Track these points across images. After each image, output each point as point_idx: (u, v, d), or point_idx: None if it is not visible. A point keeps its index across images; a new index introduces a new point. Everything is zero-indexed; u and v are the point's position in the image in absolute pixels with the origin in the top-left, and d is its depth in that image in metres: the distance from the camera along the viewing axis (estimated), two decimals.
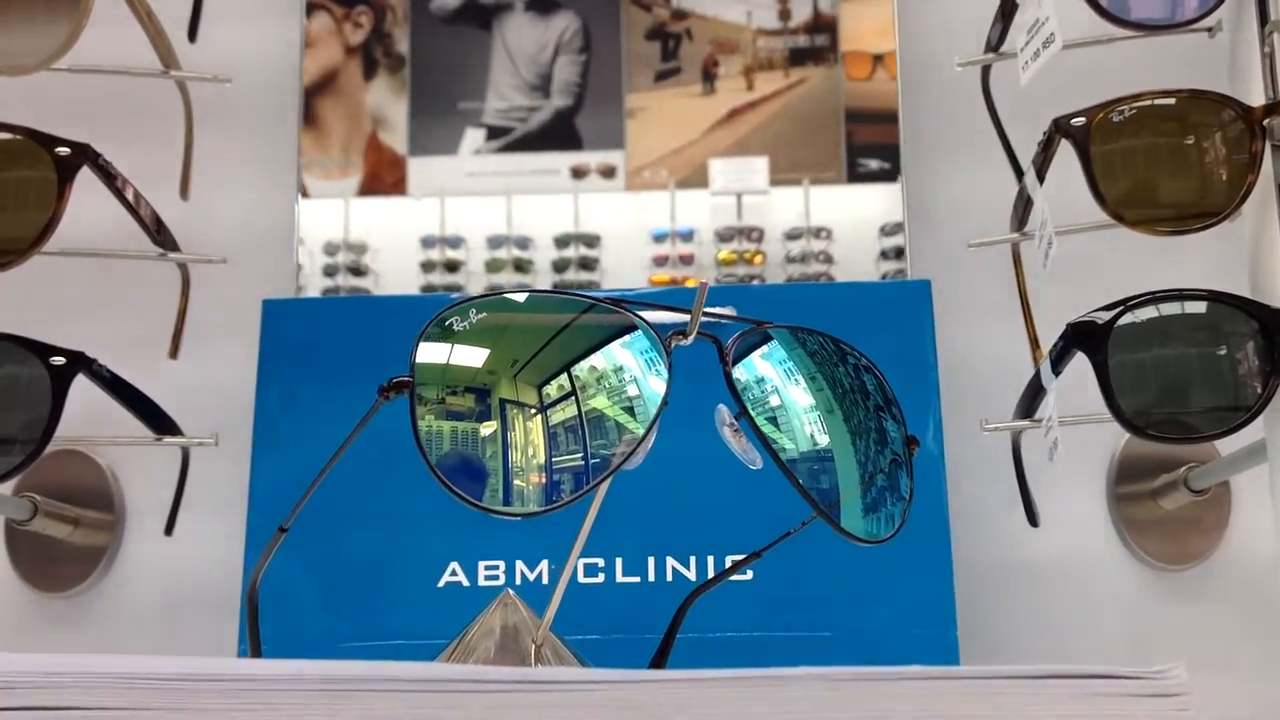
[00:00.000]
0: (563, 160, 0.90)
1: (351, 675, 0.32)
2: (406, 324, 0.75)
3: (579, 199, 0.89)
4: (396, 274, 0.88)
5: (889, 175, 0.88)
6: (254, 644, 0.48)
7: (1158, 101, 0.67)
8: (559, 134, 0.90)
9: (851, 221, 0.88)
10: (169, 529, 0.78)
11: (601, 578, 0.70)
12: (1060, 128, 0.67)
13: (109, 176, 0.68)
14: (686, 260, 0.88)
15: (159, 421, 0.73)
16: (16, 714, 0.32)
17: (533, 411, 0.43)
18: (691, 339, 0.43)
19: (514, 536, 0.72)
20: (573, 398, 0.43)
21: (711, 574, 0.71)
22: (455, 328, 0.42)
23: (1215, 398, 0.66)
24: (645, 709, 0.32)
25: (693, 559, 0.71)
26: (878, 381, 0.49)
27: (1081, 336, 0.66)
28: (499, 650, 0.46)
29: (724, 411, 0.44)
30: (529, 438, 0.42)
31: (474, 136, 0.90)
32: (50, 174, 0.65)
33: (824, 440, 0.46)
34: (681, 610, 0.57)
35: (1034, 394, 0.73)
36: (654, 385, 0.44)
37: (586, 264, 0.88)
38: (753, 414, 0.44)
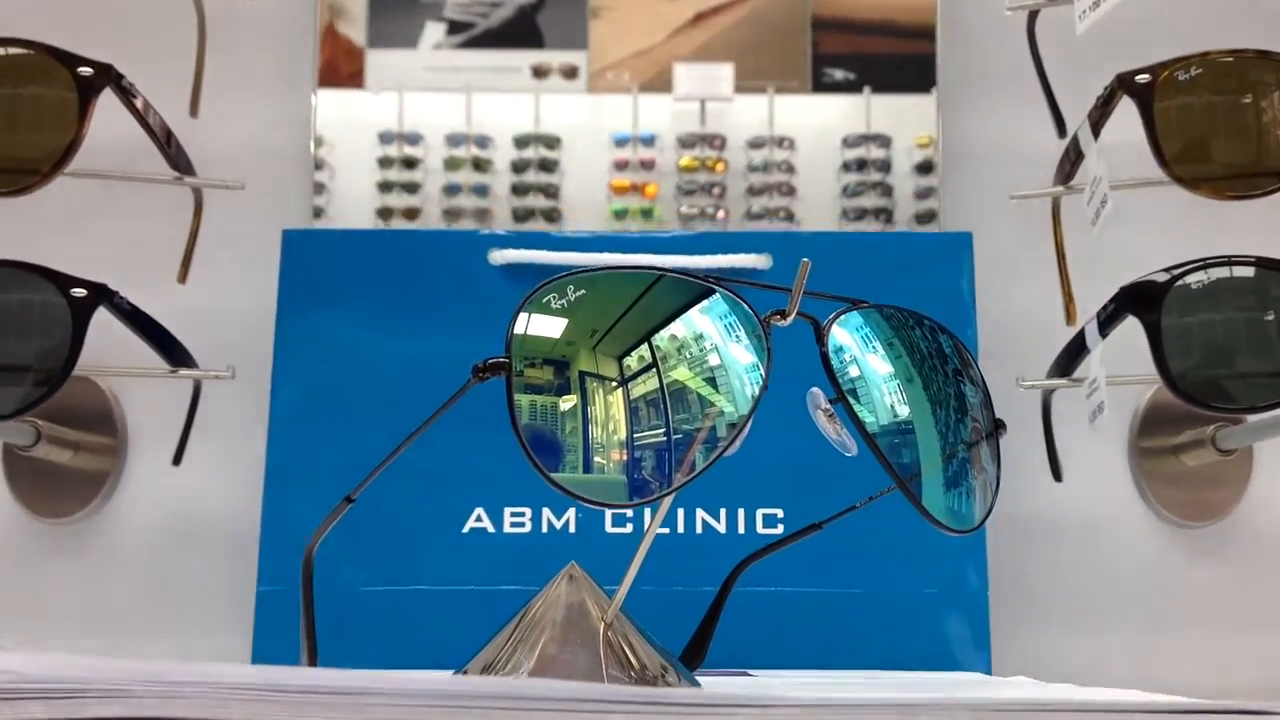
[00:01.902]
0: (524, 59, 0.87)
1: (470, 691, 0.31)
2: (431, 258, 0.73)
3: (540, 99, 0.87)
4: (352, 169, 0.85)
5: (854, 86, 0.87)
6: (308, 614, 0.46)
7: (1226, 60, 0.65)
8: (521, 31, 0.87)
9: (815, 131, 0.86)
10: (177, 459, 0.76)
11: (630, 528, 0.69)
12: (1124, 83, 0.65)
13: (129, 97, 0.65)
14: (647, 165, 0.86)
15: (175, 354, 0.70)
16: None
17: (637, 393, 0.41)
18: (791, 319, 0.41)
19: (540, 483, 0.70)
20: (684, 382, 0.41)
21: (742, 527, 0.70)
22: (554, 304, 0.40)
23: (1269, 366, 0.65)
24: None
25: (723, 511, 0.70)
26: (971, 373, 0.47)
27: (1135, 299, 0.65)
28: (564, 626, 0.45)
29: (818, 395, 0.43)
30: (638, 419, 0.40)
31: (434, 30, 0.87)
32: (71, 94, 0.62)
33: (910, 423, 0.44)
34: (733, 576, 0.56)
35: (1074, 353, 0.72)
36: (749, 365, 0.42)
37: (546, 165, 0.86)
38: (849, 400, 0.42)
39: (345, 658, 0.64)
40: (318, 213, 0.84)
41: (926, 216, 0.85)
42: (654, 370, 0.42)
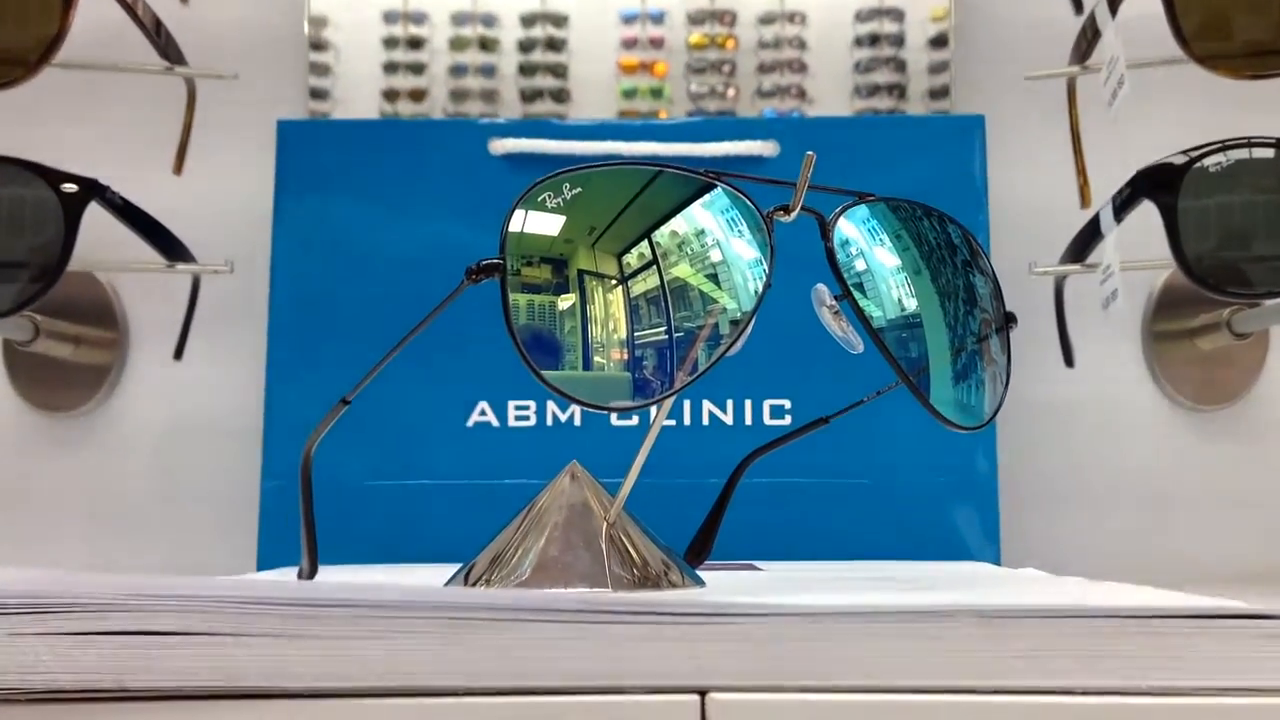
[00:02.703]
0: None
1: (475, 603, 0.30)
2: (430, 148, 0.72)
3: None
4: (357, 50, 0.83)
5: None
6: (307, 518, 0.46)
7: None
8: None
9: (826, 6, 0.84)
10: (178, 354, 0.75)
11: (635, 420, 0.68)
12: None
13: None
14: (656, 44, 0.84)
15: (171, 248, 0.69)
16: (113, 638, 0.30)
17: (637, 291, 0.40)
18: (795, 215, 0.40)
19: None
20: (686, 279, 0.40)
21: (749, 419, 0.69)
22: (550, 203, 0.39)
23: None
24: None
25: (730, 403, 0.69)
26: (981, 263, 0.46)
27: (1151, 182, 0.63)
28: (565, 527, 0.44)
29: (823, 292, 0.41)
30: (639, 318, 0.39)
31: None
32: None
33: (918, 316, 0.43)
34: (739, 471, 0.55)
35: (1088, 239, 0.70)
36: (752, 260, 0.40)
37: (553, 45, 0.84)
38: (855, 296, 0.40)
39: (350, 554, 0.64)
40: (322, 95, 0.82)
41: (940, 92, 0.83)
42: (654, 267, 0.41)
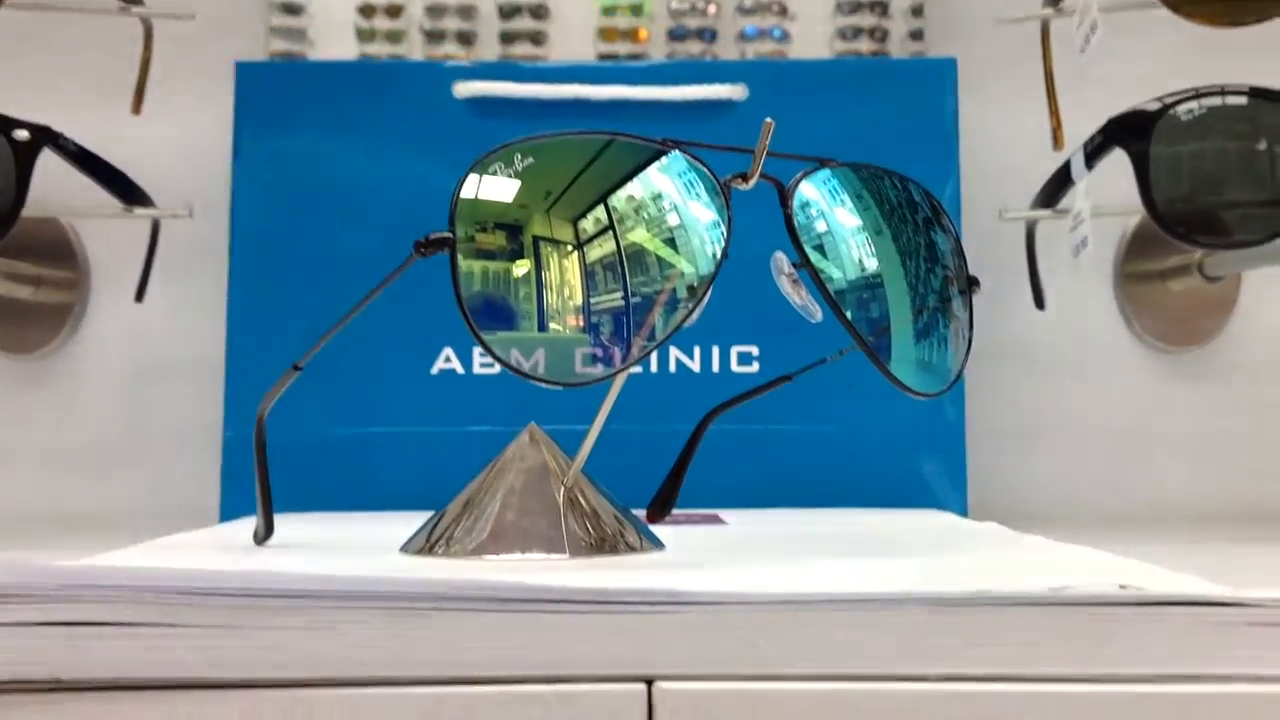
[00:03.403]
0: None
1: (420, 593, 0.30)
2: (392, 91, 0.70)
3: None
4: None
5: None
6: (263, 482, 0.45)
7: None
8: None
9: None
10: (139, 296, 0.74)
11: (600, 369, 0.67)
12: None
13: None
14: None
15: (129, 192, 0.68)
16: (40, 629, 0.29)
17: (592, 259, 0.39)
18: (753, 183, 0.39)
19: None
20: (641, 245, 0.39)
21: (716, 365, 0.69)
22: (499, 173, 0.38)
23: (1260, 196, 0.63)
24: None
25: (697, 349, 0.69)
26: (945, 232, 0.45)
27: (1123, 129, 0.63)
28: (523, 491, 0.44)
29: (782, 260, 0.41)
30: (591, 290, 0.39)
31: None
32: None
33: (879, 277, 0.43)
34: (701, 426, 0.55)
35: (1059, 184, 0.69)
36: (709, 223, 0.40)
37: None
38: (816, 265, 0.40)
39: (312, 502, 0.64)
40: (296, 35, 0.80)
41: (919, 35, 0.81)
42: (610, 233, 0.40)
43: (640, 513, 0.52)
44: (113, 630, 0.29)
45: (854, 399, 0.68)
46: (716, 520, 0.58)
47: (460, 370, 0.68)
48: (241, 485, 0.67)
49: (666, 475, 0.55)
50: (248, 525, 0.56)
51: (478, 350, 0.68)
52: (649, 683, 0.29)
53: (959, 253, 0.45)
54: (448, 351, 0.68)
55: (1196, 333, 0.82)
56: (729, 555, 0.43)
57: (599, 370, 0.39)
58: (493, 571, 0.37)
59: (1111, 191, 0.67)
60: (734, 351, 0.69)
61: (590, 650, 0.29)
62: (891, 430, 0.69)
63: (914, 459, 0.69)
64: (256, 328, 0.68)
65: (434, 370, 0.68)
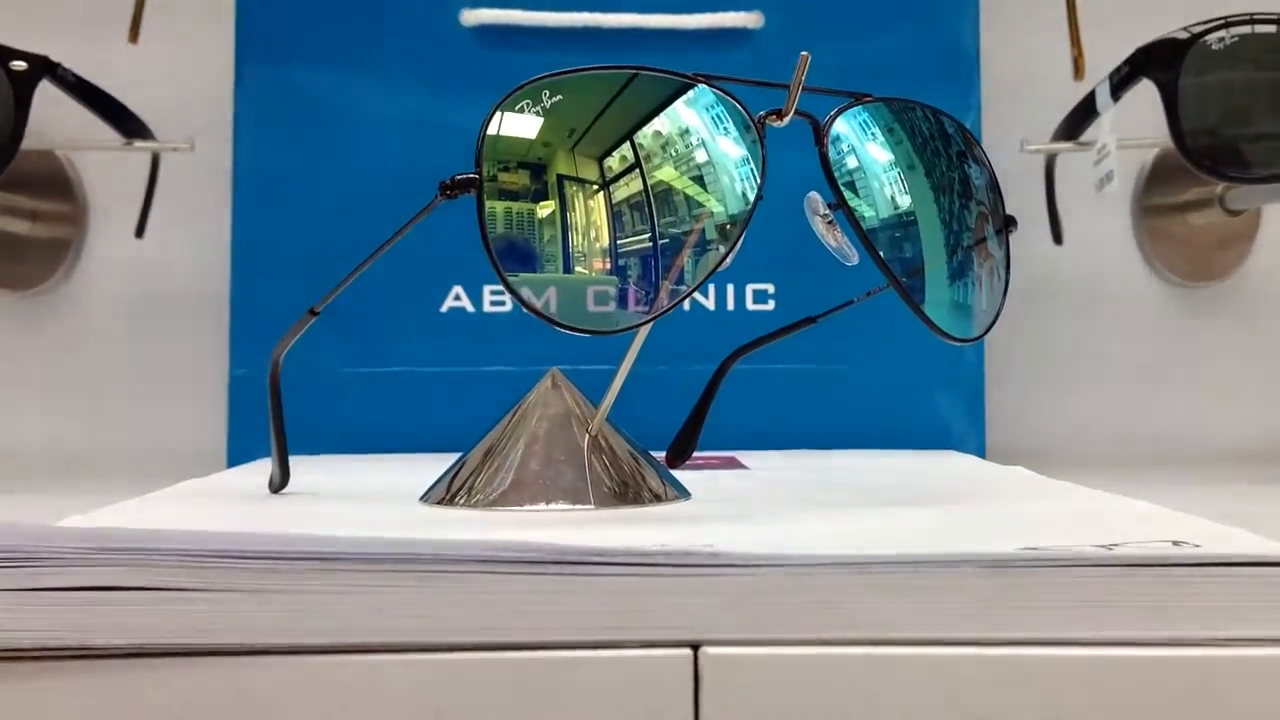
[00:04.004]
0: None
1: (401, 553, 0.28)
2: (399, 18, 0.68)
3: None
4: None
5: None
6: (278, 429, 0.44)
7: None
8: None
9: None
10: (139, 232, 0.72)
11: (612, 306, 0.66)
12: None
13: None
14: None
15: (129, 125, 0.66)
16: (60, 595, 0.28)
17: (623, 202, 0.37)
18: (787, 120, 0.38)
19: None
20: (677, 190, 0.38)
21: (731, 304, 0.67)
22: (525, 111, 0.36)
23: None
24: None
25: (712, 287, 0.67)
26: (981, 168, 0.43)
27: (1151, 61, 0.61)
28: (546, 440, 0.42)
29: (817, 200, 0.39)
30: (619, 232, 0.37)
31: None
32: None
33: (915, 229, 0.41)
34: (721, 370, 0.54)
35: (1082, 116, 0.68)
36: (739, 160, 0.38)
37: None
38: (852, 206, 0.38)
39: (324, 443, 0.63)
40: None
41: None
42: (637, 170, 0.39)
43: (660, 455, 0.51)
44: (143, 595, 0.28)
45: (872, 338, 0.67)
46: (736, 464, 0.57)
47: (470, 309, 0.66)
48: (249, 426, 0.65)
49: (686, 419, 0.54)
50: (259, 470, 0.55)
51: (489, 288, 0.66)
52: (695, 648, 0.28)
53: (995, 189, 0.44)
54: (457, 289, 0.67)
55: (1216, 268, 0.80)
56: (760, 506, 0.42)
57: (631, 316, 0.37)
58: (523, 528, 0.36)
59: (1132, 123, 0.66)
60: (749, 289, 0.67)
61: (633, 614, 0.28)
62: (910, 370, 0.67)
63: (932, 399, 0.68)
64: (262, 263, 0.67)
65: (443, 309, 0.67)
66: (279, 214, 0.67)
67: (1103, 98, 0.64)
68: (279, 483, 0.45)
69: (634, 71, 0.38)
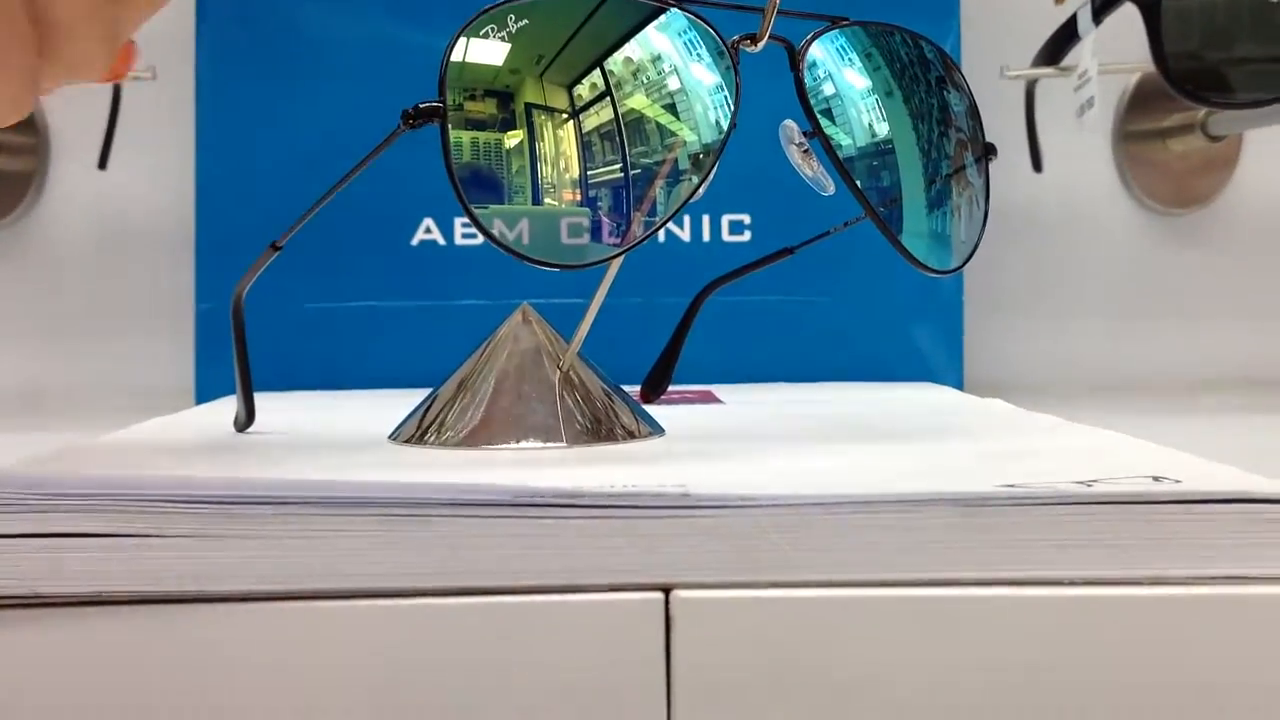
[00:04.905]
0: None
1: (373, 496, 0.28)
2: None
3: None
4: None
5: None
6: (242, 364, 0.43)
7: None
8: None
9: None
10: (102, 163, 0.71)
11: (586, 239, 0.65)
12: None
13: None
14: None
15: None
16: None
17: (593, 131, 0.36)
18: (762, 45, 0.36)
19: None
20: (649, 119, 0.37)
21: (707, 234, 0.66)
22: (490, 36, 0.35)
23: (1274, 54, 0.60)
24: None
25: (687, 218, 0.66)
26: (960, 95, 0.42)
27: None
28: (517, 376, 0.42)
29: (792, 128, 0.38)
30: (590, 162, 0.36)
31: None
32: None
33: (892, 156, 0.40)
34: (696, 303, 0.53)
35: (1063, 40, 0.67)
36: (712, 87, 0.37)
37: None
38: (828, 134, 0.37)
39: (293, 379, 0.62)
40: None
41: None
42: (608, 98, 0.37)
43: (633, 390, 0.50)
44: (95, 541, 0.27)
45: (850, 269, 0.66)
46: (711, 398, 0.56)
47: (442, 241, 0.65)
48: (217, 361, 0.64)
49: (661, 353, 0.53)
50: (225, 408, 0.54)
51: (460, 220, 0.65)
52: (666, 591, 0.28)
53: (975, 116, 0.43)
54: (428, 222, 0.65)
55: (1196, 194, 0.79)
56: (734, 444, 0.41)
57: (602, 249, 0.36)
58: (493, 468, 0.35)
59: (1113, 48, 0.65)
60: (725, 220, 0.66)
61: (602, 557, 0.28)
62: (888, 302, 0.67)
63: (910, 331, 0.67)
64: (227, 195, 0.66)
65: (414, 242, 0.65)
66: (244, 144, 0.65)
67: (1084, 21, 0.63)
68: (244, 422, 0.44)
69: None
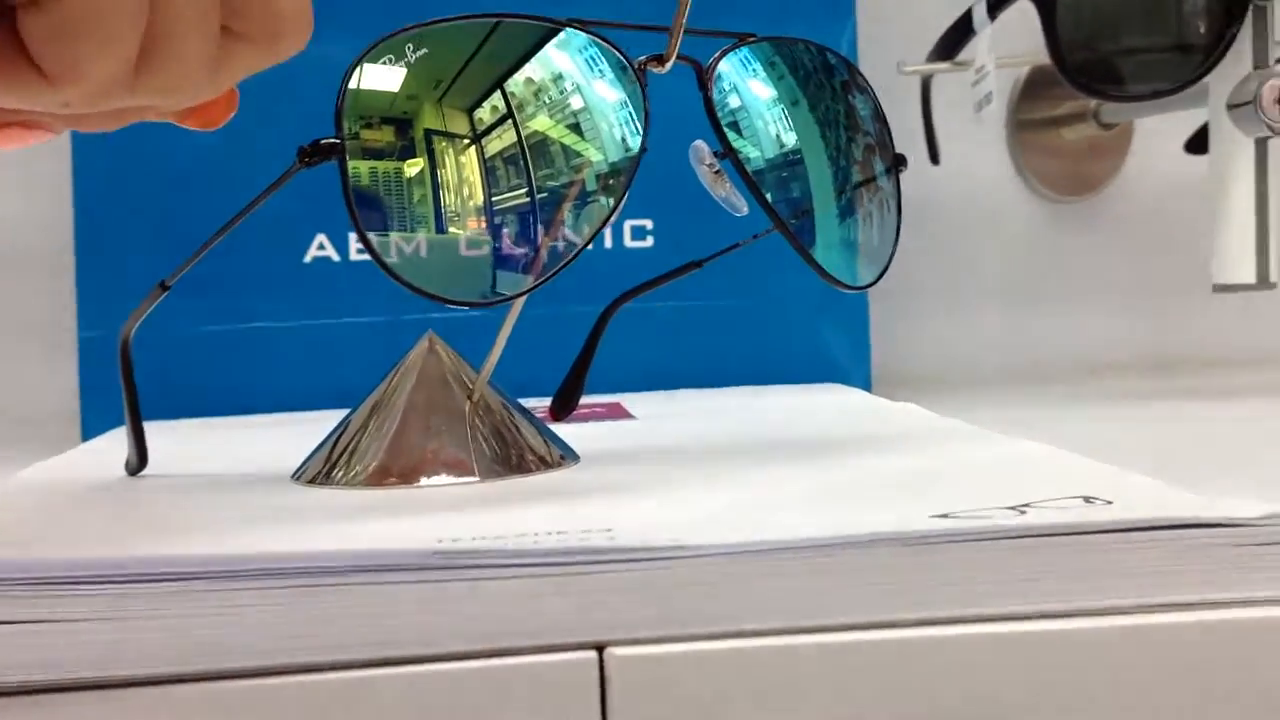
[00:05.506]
0: None
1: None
2: None
3: None
4: None
5: None
6: (132, 405, 0.41)
7: None
8: None
9: None
10: None
11: (486, 250, 0.63)
12: None
13: None
14: None
15: None
16: None
17: (497, 156, 0.35)
18: (669, 66, 0.35)
19: None
20: (549, 141, 0.35)
21: (609, 241, 0.65)
22: (391, 65, 0.33)
23: (1169, 45, 0.60)
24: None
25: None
26: (869, 108, 0.41)
27: None
28: (426, 408, 0.40)
29: (703, 149, 0.37)
30: (495, 188, 0.35)
31: None
32: None
33: (805, 174, 0.39)
34: (604, 318, 0.51)
35: (958, 35, 0.66)
36: (616, 104, 0.36)
37: None
38: (740, 153, 0.36)
39: (188, 406, 0.60)
40: None
41: None
42: (510, 121, 0.36)
43: (542, 405, 0.49)
44: None
45: (753, 272, 0.65)
46: (621, 412, 0.55)
47: (336, 258, 0.63)
48: (102, 390, 0.62)
49: (569, 370, 0.52)
50: (115, 444, 0.51)
51: (354, 236, 0.63)
52: (600, 649, 0.26)
53: (884, 126, 0.42)
54: (321, 238, 0.63)
55: (1089, 181, 0.80)
56: (652, 471, 0.40)
57: (514, 280, 0.35)
58: (404, 514, 0.34)
59: (1005, 40, 0.65)
60: (627, 226, 0.65)
61: (530, 617, 0.26)
62: (792, 302, 0.66)
63: (816, 330, 0.66)
64: (107, 211, 0.63)
65: (307, 259, 0.63)
66: (123, 154, 0.62)
67: (979, 16, 0.63)
68: (135, 466, 0.42)
69: (498, 19, 0.35)
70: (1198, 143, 0.72)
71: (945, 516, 0.29)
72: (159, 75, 0.27)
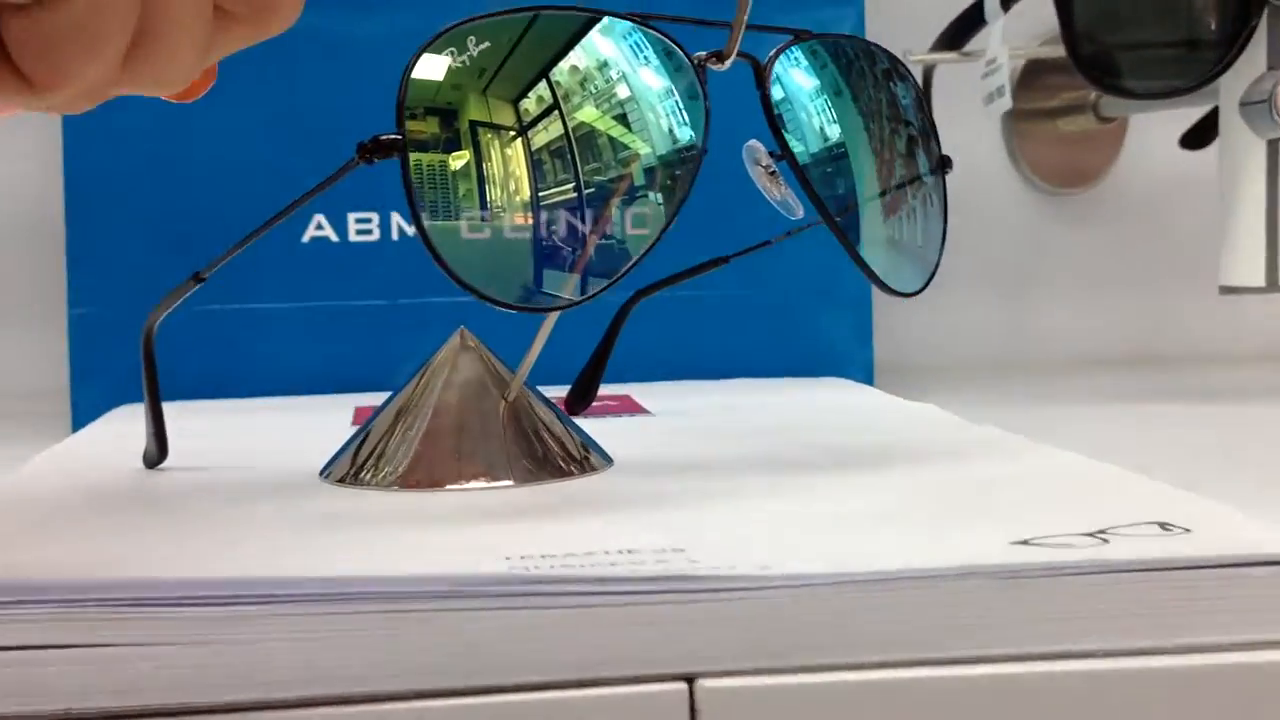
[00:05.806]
0: None
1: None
2: None
3: None
4: None
5: None
6: (153, 398, 0.40)
7: None
8: None
9: None
10: None
11: (488, 234, 0.62)
12: None
13: None
14: None
15: None
16: None
17: (542, 148, 0.34)
18: (729, 63, 0.34)
19: (385, 185, 0.63)
20: (596, 136, 0.34)
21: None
22: (456, 61, 0.32)
23: (1186, 39, 0.60)
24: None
25: None
26: (919, 107, 0.41)
27: None
28: (460, 409, 0.39)
29: (758, 149, 0.36)
30: (548, 185, 0.34)
31: None
32: None
33: (859, 182, 0.38)
34: (622, 313, 0.51)
35: (966, 26, 0.66)
36: (684, 119, 0.35)
37: None
38: (797, 155, 0.35)
39: (184, 386, 0.58)
40: None
41: None
42: (557, 115, 0.35)
43: (556, 392, 0.48)
44: (65, 654, 0.24)
45: (755, 261, 0.64)
46: (634, 406, 0.54)
47: (334, 239, 0.62)
48: (94, 372, 0.60)
49: (585, 365, 0.51)
50: (116, 429, 0.50)
51: (353, 216, 0.62)
52: (690, 681, 0.26)
53: (931, 126, 0.42)
54: (319, 219, 0.62)
55: (1084, 174, 0.80)
56: (693, 478, 0.38)
57: (587, 284, 0.34)
58: (458, 524, 0.33)
59: (1011, 31, 0.64)
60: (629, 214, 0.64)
61: (620, 647, 0.26)
62: (797, 291, 0.65)
63: (821, 321, 0.66)
64: (99, 181, 0.61)
65: (305, 239, 0.62)
66: (114, 136, 0.61)
67: (991, 7, 0.62)
68: (155, 458, 0.41)
69: (537, 9, 0.34)
70: (1193, 138, 0.72)
71: (1026, 544, 0.28)
72: (149, 68, 0.25)
